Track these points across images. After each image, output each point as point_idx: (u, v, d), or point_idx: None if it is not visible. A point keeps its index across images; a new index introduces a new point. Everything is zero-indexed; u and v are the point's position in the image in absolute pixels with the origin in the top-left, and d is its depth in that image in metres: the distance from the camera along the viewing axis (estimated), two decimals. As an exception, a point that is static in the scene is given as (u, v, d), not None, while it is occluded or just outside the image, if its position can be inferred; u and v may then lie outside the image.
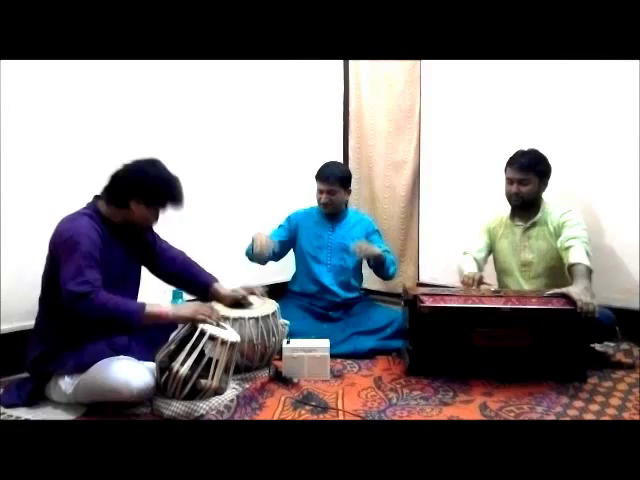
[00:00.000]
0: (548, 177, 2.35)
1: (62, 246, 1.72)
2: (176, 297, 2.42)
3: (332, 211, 2.65)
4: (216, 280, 2.11)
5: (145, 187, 1.80)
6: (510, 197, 2.38)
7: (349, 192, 2.72)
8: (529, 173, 2.31)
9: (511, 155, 2.37)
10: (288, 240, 2.68)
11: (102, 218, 1.82)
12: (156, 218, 1.90)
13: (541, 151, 2.35)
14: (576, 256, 2.15)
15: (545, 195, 2.40)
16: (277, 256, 2.63)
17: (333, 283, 2.63)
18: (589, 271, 2.11)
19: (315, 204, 2.71)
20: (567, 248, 2.20)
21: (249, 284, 2.25)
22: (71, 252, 1.69)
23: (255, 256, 2.47)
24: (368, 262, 2.64)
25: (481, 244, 2.51)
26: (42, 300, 1.84)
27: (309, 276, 2.66)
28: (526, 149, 2.35)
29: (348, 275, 2.67)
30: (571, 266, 2.15)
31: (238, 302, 2.11)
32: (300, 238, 2.69)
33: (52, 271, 1.77)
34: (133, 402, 1.73)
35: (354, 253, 2.49)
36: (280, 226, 2.72)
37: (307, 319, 2.52)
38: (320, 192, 2.61)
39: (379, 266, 2.56)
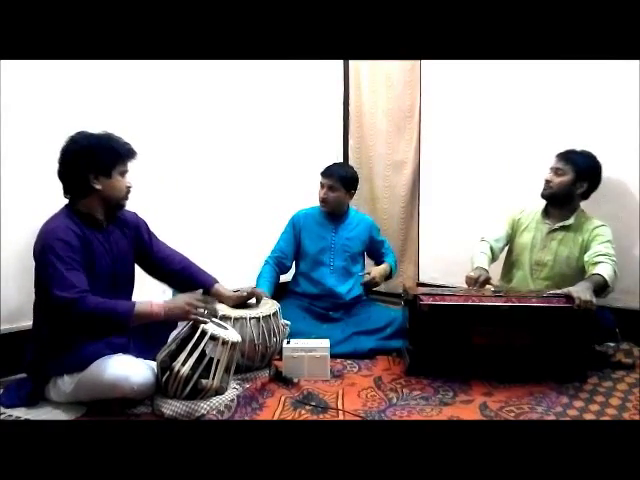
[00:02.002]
0: (588, 181, 2.29)
1: (39, 255, 1.71)
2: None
3: (330, 210, 2.66)
4: (217, 281, 2.10)
5: (88, 160, 1.75)
6: (544, 185, 2.36)
7: (351, 195, 2.72)
8: (566, 164, 2.28)
9: None
10: (294, 244, 2.70)
11: (81, 215, 1.80)
12: (126, 184, 1.84)
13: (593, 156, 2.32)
14: (600, 270, 2.12)
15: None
16: (292, 265, 2.74)
17: (337, 285, 2.63)
18: (605, 284, 2.08)
19: (316, 204, 2.72)
20: (595, 263, 2.17)
21: (249, 285, 2.26)
22: (48, 259, 1.67)
23: None
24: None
25: (501, 233, 2.47)
26: (36, 304, 1.83)
27: (312, 278, 2.65)
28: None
29: (351, 276, 2.68)
30: (590, 275, 2.13)
31: (241, 302, 2.11)
32: (303, 240, 2.69)
33: (38, 277, 1.77)
34: (133, 398, 1.73)
35: (366, 285, 2.61)
36: (284, 233, 2.72)
37: (307, 319, 2.52)
38: (321, 186, 2.64)
39: (388, 277, 2.71)
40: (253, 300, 2.16)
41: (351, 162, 3.52)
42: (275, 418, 1.74)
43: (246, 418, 1.73)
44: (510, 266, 2.51)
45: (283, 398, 1.88)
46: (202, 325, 1.76)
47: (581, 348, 2.05)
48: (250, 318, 2.02)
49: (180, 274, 2.05)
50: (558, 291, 2.07)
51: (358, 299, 2.68)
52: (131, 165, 1.88)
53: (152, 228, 2.08)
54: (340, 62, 3.46)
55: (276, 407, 1.82)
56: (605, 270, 2.12)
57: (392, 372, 2.16)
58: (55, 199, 1.89)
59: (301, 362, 2.07)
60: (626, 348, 2.30)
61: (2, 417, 1.69)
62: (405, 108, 3.26)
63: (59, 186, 2.05)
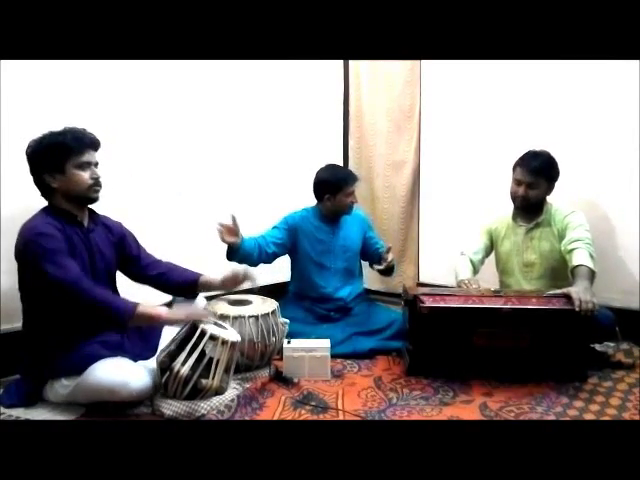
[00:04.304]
0: (556, 181, 2.33)
1: (22, 253, 1.71)
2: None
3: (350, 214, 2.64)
4: (201, 274, 2.07)
5: (38, 161, 1.76)
6: (515, 198, 2.35)
7: None
8: (539, 177, 2.28)
9: (521, 155, 2.34)
10: (285, 243, 2.57)
11: (59, 212, 1.79)
12: (87, 176, 1.78)
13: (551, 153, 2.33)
14: (579, 258, 2.14)
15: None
16: (272, 257, 2.54)
17: (339, 288, 2.61)
18: (591, 273, 2.11)
19: (308, 205, 2.70)
20: (571, 250, 2.19)
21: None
22: (34, 252, 1.67)
23: (234, 253, 2.32)
24: (371, 264, 2.68)
25: (479, 245, 2.50)
26: (25, 309, 1.83)
27: (313, 281, 2.62)
28: (538, 150, 2.32)
29: (353, 277, 2.68)
30: (574, 268, 2.15)
31: (238, 301, 2.11)
32: (301, 244, 2.62)
33: (23, 278, 1.77)
34: (131, 402, 1.73)
35: (384, 259, 2.46)
36: (275, 227, 2.59)
37: (307, 319, 2.52)
38: (349, 195, 2.56)
39: (390, 270, 2.55)
40: (249, 298, 2.15)
41: (351, 162, 3.52)
42: (275, 418, 1.74)
43: (246, 418, 1.73)
44: (501, 275, 2.53)
45: (283, 398, 1.88)
46: (201, 325, 1.77)
47: (581, 348, 2.04)
48: (249, 316, 2.03)
49: (165, 275, 2.03)
50: (557, 291, 2.07)
51: (359, 297, 2.68)
52: (99, 155, 1.84)
53: (150, 229, 2.09)
54: (340, 62, 3.47)
55: (276, 407, 1.82)
56: (584, 258, 2.14)
57: (392, 372, 2.16)
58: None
59: (301, 362, 2.07)
60: (626, 348, 2.30)
61: (2, 417, 1.69)
62: (405, 108, 3.26)
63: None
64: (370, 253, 2.71)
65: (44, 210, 1.80)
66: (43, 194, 1.83)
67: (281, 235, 2.57)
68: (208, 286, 2.06)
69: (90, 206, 1.89)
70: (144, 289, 2.10)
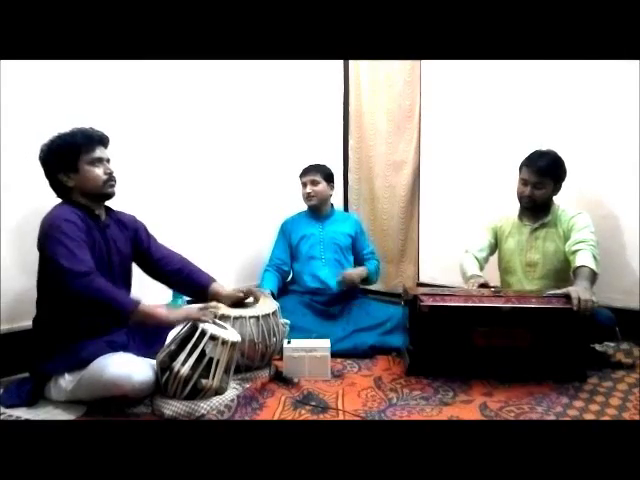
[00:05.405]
0: (563, 181, 2.32)
1: (45, 237, 1.73)
2: (176, 297, 2.42)
3: (317, 203, 2.75)
4: (214, 280, 2.11)
5: (51, 162, 1.79)
6: (522, 198, 2.34)
7: (332, 187, 2.82)
8: (545, 177, 2.27)
9: (528, 155, 2.32)
10: (289, 254, 2.81)
11: (80, 207, 1.82)
12: (101, 172, 1.82)
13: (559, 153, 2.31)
14: (582, 259, 2.14)
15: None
16: (289, 266, 2.82)
17: (330, 277, 2.68)
18: (593, 274, 2.11)
19: (303, 209, 2.84)
20: (574, 252, 2.19)
21: (246, 285, 2.26)
22: (56, 238, 1.69)
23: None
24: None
25: (483, 243, 2.48)
26: (39, 302, 1.84)
27: (307, 274, 2.73)
28: (544, 150, 2.31)
29: (344, 269, 2.72)
30: (576, 269, 2.15)
31: (239, 302, 2.12)
32: (294, 242, 2.79)
33: (43, 271, 1.78)
34: (134, 397, 1.73)
35: (341, 284, 2.63)
36: (277, 241, 2.83)
37: (307, 315, 2.55)
38: (304, 185, 2.75)
39: (364, 281, 2.79)
40: (251, 299, 2.16)
41: (351, 162, 3.53)
42: (275, 418, 1.74)
43: (246, 418, 1.73)
44: (503, 274, 2.52)
45: (283, 398, 1.88)
46: (202, 325, 1.77)
47: (581, 348, 2.04)
48: (249, 317, 2.02)
49: (178, 274, 2.06)
50: (557, 291, 2.07)
51: (354, 294, 2.72)
52: (109, 151, 1.88)
53: (153, 228, 2.09)
54: (340, 62, 3.47)
55: (276, 407, 1.82)
56: (586, 259, 2.13)
57: (392, 372, 2.16)
58: (55, 198, 1.90)
59: (302, 362, 2.07)
60: (626, 348, 2.31)
61: (2, 417, 1.69)
62: (405, 108, 3.26)
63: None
64: (359, 255, 2.86)
65: (64, 203, 1.83)
66: (60, 195, 1.85)
67: (286, 248, 2.81)
68: (216, 296, 2.08)
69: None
70: (155, 288, 2.12)
